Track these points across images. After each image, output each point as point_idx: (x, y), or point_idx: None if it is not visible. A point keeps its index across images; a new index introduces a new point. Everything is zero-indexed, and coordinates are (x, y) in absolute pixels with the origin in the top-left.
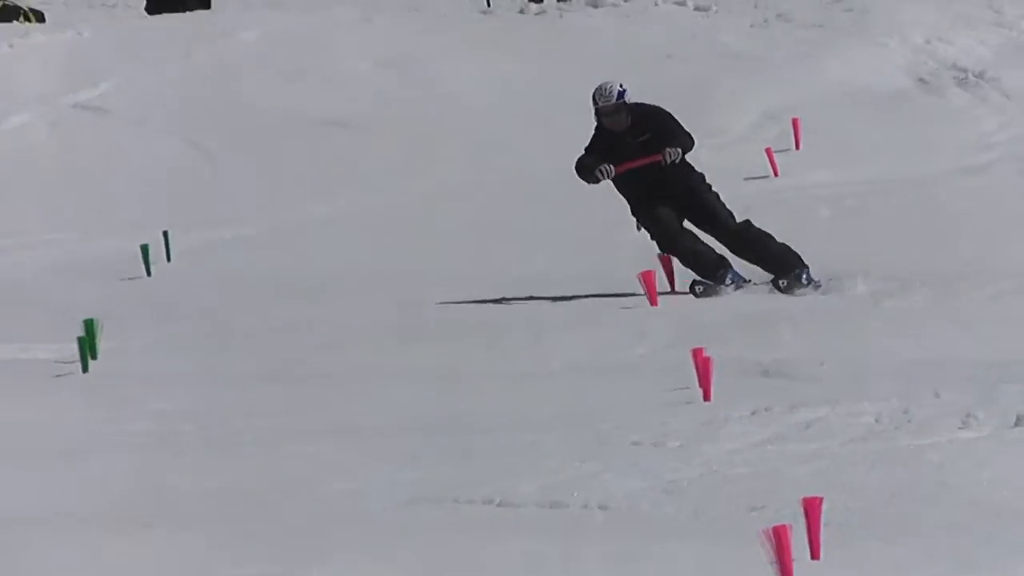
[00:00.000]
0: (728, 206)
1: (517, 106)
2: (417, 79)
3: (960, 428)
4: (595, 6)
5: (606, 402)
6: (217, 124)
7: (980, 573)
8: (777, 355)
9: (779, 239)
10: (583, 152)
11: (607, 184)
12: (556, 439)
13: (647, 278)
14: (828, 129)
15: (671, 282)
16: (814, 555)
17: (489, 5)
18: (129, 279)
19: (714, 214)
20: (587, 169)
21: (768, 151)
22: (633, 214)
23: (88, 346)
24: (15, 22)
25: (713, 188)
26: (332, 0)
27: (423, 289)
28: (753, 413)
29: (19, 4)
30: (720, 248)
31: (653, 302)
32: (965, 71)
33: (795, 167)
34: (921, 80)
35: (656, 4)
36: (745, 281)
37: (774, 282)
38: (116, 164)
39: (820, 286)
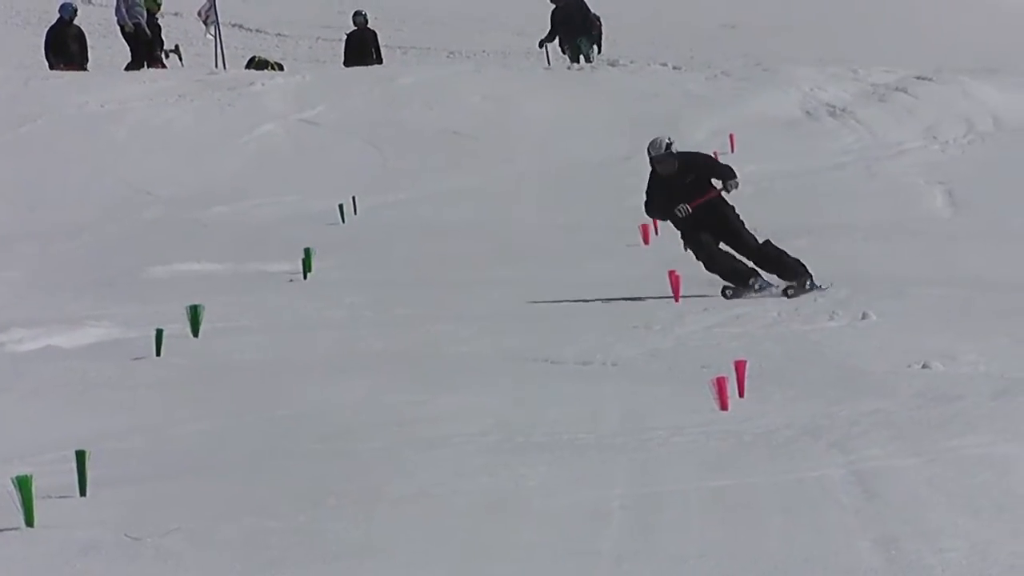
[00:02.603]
0: (750, 230)
1: (565, 122)
2: (506, 107)
3: (829, 320)
4: (613, 65)
5: (619, 302)
6: (386, 133)
7: (839, 405)
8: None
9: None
10: (646, 196)
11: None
12: (587, 322)
13: (644, 229)
14: (752, 141)
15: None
16: (740, 395)
17: (549, 64)
18: (330, 224)
19: (740, 237)
20: (662, 209)
21: (715, 153)
22: (682, 238)
23: (307, 264)
24: (265, 70)
25: (740, 216)
26: (457, 60)
27: (508, 231)
28: (705, 309)
29: (267, 59)
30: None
31: (646, 241)
32: (834, 107)
33: (732, 163)
34: (807, 112)
35: (649, 65)
36: (769, 285)
37: (784, 290)
38: (324, 156)
39: (824, 289)
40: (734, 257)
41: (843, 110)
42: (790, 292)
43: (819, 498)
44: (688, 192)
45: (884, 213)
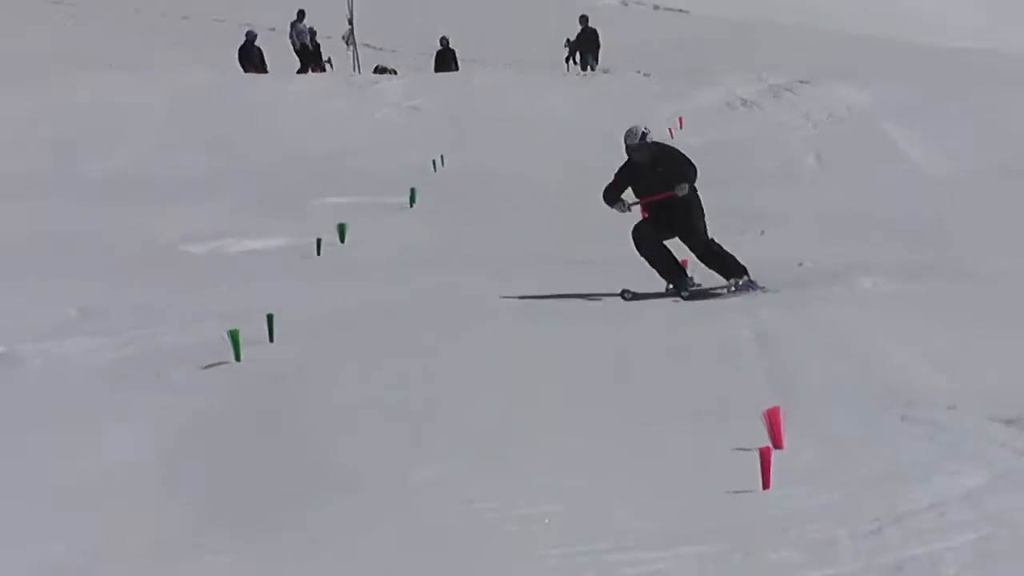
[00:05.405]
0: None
1: (574, 110)
2: (536, 99)
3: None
4: (606, 72)
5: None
6: (462, 116)
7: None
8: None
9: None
10: (613, 178)
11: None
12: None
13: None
14: (694, 121)
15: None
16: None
17: (568, 71)
18: (426, 173)
19: (694, 233)
20: (610, 198)
21: (670, 130)
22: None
23: (412, 198)
24: (385, 74)
25: (703, 211)
26: (507, 68)
27: (542, 177)
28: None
29: (387, 67)
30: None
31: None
32: (745, 100)
33: (680, 136)
34: (727, 104)
35: (636, 73)
36: (699, 286)
37: (727, 287)
38: (422, 129)
39: (765, 290)
40: (672, 257)
41: (752, 102)
42: (730, 289)
43: (734, 350)
44: (657, 182)
45: (775, 166)
